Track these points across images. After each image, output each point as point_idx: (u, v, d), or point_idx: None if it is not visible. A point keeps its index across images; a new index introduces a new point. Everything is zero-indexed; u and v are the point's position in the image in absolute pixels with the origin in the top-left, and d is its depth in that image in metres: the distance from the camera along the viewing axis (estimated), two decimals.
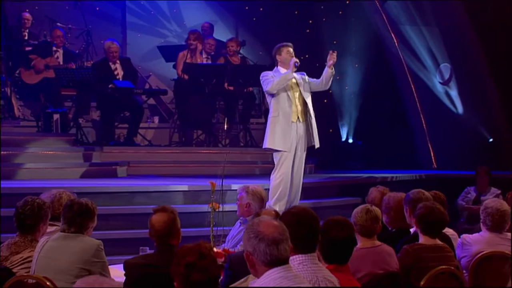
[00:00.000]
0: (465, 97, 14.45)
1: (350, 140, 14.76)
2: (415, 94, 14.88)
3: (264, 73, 9.06)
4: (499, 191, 11.22)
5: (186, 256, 3.79)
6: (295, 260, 4.06)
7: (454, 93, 14.52)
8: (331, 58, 8.97)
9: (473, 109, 14.33)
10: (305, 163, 12.28)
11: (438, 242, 5.70)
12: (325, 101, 14.51)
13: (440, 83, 14.63)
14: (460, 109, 14.51)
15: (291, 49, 9.06)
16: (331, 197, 10.48)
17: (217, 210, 6.53)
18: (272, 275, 3.67)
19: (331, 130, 14.77)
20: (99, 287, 3.12)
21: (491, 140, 14.24)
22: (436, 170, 14.42)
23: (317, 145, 9.09)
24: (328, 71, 9.03)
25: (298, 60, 8.93)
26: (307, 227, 4.10)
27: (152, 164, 12.03)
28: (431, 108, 14.83)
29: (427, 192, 6.51)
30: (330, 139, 14.55)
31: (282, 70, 9.01)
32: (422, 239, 5.71)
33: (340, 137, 14.79)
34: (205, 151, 12.51)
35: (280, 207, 8.98)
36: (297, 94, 9.01)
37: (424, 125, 14.89)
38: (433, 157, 14.87)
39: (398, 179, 12.05)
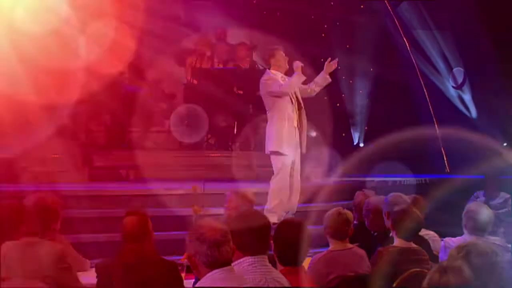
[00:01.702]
0: (479, 101, 14.37)
1: (362, 144, 14.72)
2: (428, 98, 14.81)
3: (265, 77, 9.07)
4: (508, 196, 11.17)
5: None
6: (245, 262, 4.11)
7: (467, 97, 14.44)
8: (332, 65, 9.01)
9: (486, 113, 14.23)
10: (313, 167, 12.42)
11: (413, 245, 5.72)
12: (338, 105, 14.51)
13: (453, 87, 14.56)
14: (473, 113, 14.42)
15: (282, 52, 9.12)
16: (329, 201, 10.44)
17: (199, 213, 6.59)
18: (213, 276, 3.74)
19: (343, 134, 14.75)
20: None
21: (505, 144, 14.12)
22: (449, 174, 14.32)
23: (304, 151, 9.12)
24: (324, 77, 9.04)
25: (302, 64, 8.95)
26: (256, 229, 4.15)
27: (160, 168, 12.06)
28: (444, 112, 14.74)
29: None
30: (342, 143, 14.54)
31: (275, 73, 9.02)
32: (397, 242, 5.72)
33: (352, 141, 14.76)
34: (214, 155, 12.54)
35: (280, 211, 9.02)
36: (295, 99, 9.05)
37: (437, 129, 14.80)
38: (446, 162, 14.78)
39: (403, 183, 11.98)
